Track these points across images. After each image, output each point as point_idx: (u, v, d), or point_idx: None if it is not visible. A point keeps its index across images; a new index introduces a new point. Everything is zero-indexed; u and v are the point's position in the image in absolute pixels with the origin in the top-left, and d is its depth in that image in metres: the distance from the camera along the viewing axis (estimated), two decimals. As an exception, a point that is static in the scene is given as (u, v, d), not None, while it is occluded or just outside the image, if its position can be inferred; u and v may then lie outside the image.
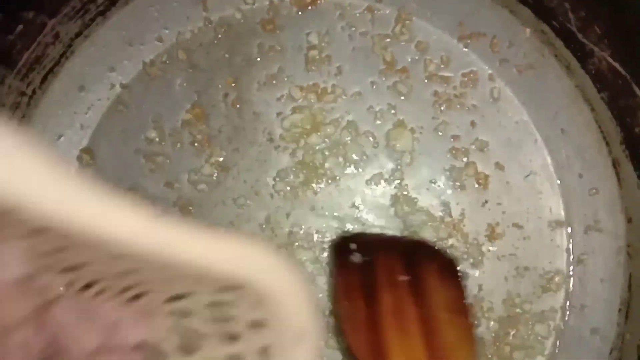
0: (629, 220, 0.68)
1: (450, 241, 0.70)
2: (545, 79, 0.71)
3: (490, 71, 0.73)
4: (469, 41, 0.73)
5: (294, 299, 0.39)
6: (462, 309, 0.59)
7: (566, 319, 0.69)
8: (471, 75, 0.73)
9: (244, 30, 0.75)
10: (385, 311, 0.56)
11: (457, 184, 0.72)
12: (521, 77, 0.72)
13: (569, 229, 0.70)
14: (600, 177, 0.70)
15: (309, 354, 0.40)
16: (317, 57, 0.73)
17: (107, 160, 0.72)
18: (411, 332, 0.55)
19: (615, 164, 0.68)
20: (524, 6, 0.68)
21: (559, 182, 0.71)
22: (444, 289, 0.59)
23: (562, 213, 0.71)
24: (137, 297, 0.46)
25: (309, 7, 0.75)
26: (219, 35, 0.74)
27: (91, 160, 0.72)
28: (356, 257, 0.61)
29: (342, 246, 0.63)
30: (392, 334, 0.55)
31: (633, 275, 0.67)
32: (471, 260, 0.69)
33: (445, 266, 0.63)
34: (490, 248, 0.70)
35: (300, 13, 0.75)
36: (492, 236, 0.70)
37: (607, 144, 0.69)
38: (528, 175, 0.72)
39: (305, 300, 0.40)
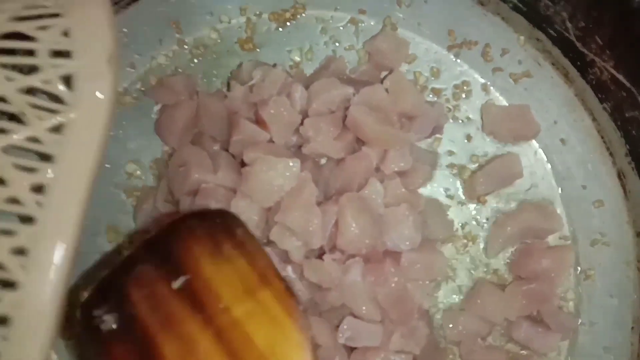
0: (638, 234, 0.65)
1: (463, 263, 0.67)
2: (542, 87, 0.68)
3: (483, 81, 0.70)
4: (459, 50, 0.69)
5: (107, 24, 0.45)
6: (266, 279, 0.45)
7: (577, 336, 0.66)
8: (463, 86, 0.70)
9: (222, 50, 0.70)
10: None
11: (457, 201, 0.68)
12: (517, 85, 0.69)
13: (574, 243, 0.67)
14: (604, 188, 0.67)
15: (117, 72, 0.46)
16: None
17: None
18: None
19: (620, 175, 0.65)
20: (517, 13, 0.64)
21: (561, 194, 0.68)
22: (230, 270, 0.44)
23: (566, 226, 0.68)
24: None
25: (289, 22, 0.70)
26: (196, 58, 0.70)
27: (68, 200, 0.67)
28: (108, 322, 0.44)
29: (87, 316, 0.46)
30: None
31: (645, 291, 0.65)
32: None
33: (212, 230, 0.47)
34: (497, 267, 0.68)
35: (280, 29, 0.70)
36: (493, 257, 0.67)
37: (610, 154, 0.66)
38: (529, 188, 0.69)
39: (112, 25, 0.46)
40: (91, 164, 0.46)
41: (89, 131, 0.46)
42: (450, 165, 0.69)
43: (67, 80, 0.46)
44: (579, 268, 0.67)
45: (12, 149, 0.46)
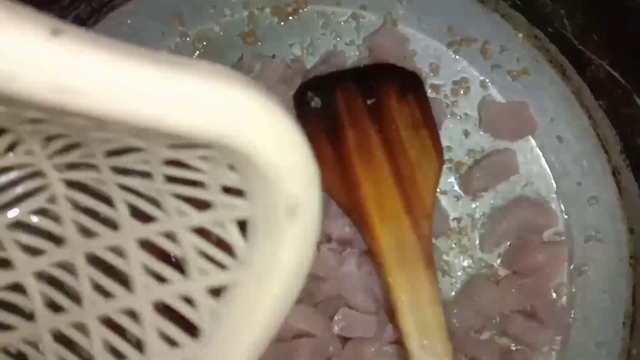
0: (631, 231, 0.66)
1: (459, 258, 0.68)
2: (540, 84, 0.69)
3: (482, 78, 0.70)
4: (459, 47, 0.70)
5: (285, 162, 0.29)
6: (425, 121, 0.63)
7: (569, 332, 0.67)
8: (462, 82, 0.70)
9: (224, 43, 0.71)
10: (350, 146, 0.61)
11: (453, 196, 0.69)
12: (515, 83, 0.70)
13: (569, 239, 0.68)
14: (599, 185, 0.67)
15: (303, 232, 0.30)
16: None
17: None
18: (377, 158, 0.60)
19: (615, 173, 0.66)
20: (516, 11, 0.65)
21: (557, 190, 0.69)
22: (406, 105, 0.63)
23: (561, 223, 0.69)
24: (66, 150, 0.40)
25: (291, 17, 0.71)
26: (198, 51, 0.71)
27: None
28: (315, 102, 0.63)
29: (301, 95, 0.64)
30: (359, 165, 0.59)
31: (637, 287, 0.65)
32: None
33: (407, 82, 0.65)
34: (493, 264, 0.68)
35: (282, 23, 0.71)
36: (489, 253, 0.68)
37: (606, 152, 0.66)
38: (525, 185, 0.69)
39: (301, 162, 0.29)
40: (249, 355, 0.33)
41: (254, 305, 0.32)
42: (448, 160, 0.69)
43: (242, 227, 0.34)
44: (573, 264, 0.68)
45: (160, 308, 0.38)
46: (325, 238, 0.61)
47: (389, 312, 0.60)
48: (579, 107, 0.67)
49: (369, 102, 0.63)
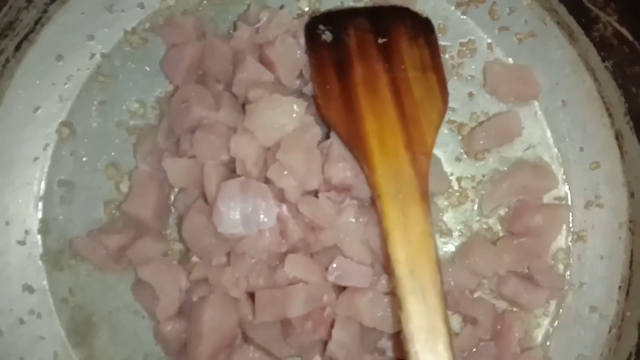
0: (632, 195, 0.65)
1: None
2: (546, 47, 0.68)
3: (489, 40, 0.70)
4: (467, 8, 0.70)
5: None
6: (434, 65, 0.63)
7: (564, 296, 0.67)
8: (469, 44, 0.70)
9: (231, -5, 0.71)
10: (357, 81, 0.61)
11: (455, 156, 0.69)
12: (521, 45, 0.69)
13: (569, 204, 0.68)
14: (601, 150, 0.67)
15: None
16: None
17: (87, 133, 0.68)
18: (383, 95, 0.60)
19: (618, 136, 0.66)
20: (525, -30, 0.65)
21: (559, 155, 0.69)
22: (416, 48, 0.63)
23: (562, 188, 0.68)
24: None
25: (299, -28, 0.71)
26: (204, 1, 0.70)
27: (70, 134, 0.68)
28: (327, 36, 0.63)
29: (313, 27, 0.65)
30: (365, 100, 0.60)
31: (635, 252, 0.65)
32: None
33: (418, 26, 0.66)
34: (491, 225, 0.68)
35: (290, -23, 0.71)
36: (488, 214, 0.68)
37: (609, 115, 0.66)
38: (527, 148, 0.69)
39: None
40: None
41: None
42: (451, 122, 0.69)
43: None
44: (572, 229, 0.68)
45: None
46: (324, 185, 0.61)
47: (385, 264, 0.59)
48: (584, 69, 0.66)
49: (380, 41, 0.63)
